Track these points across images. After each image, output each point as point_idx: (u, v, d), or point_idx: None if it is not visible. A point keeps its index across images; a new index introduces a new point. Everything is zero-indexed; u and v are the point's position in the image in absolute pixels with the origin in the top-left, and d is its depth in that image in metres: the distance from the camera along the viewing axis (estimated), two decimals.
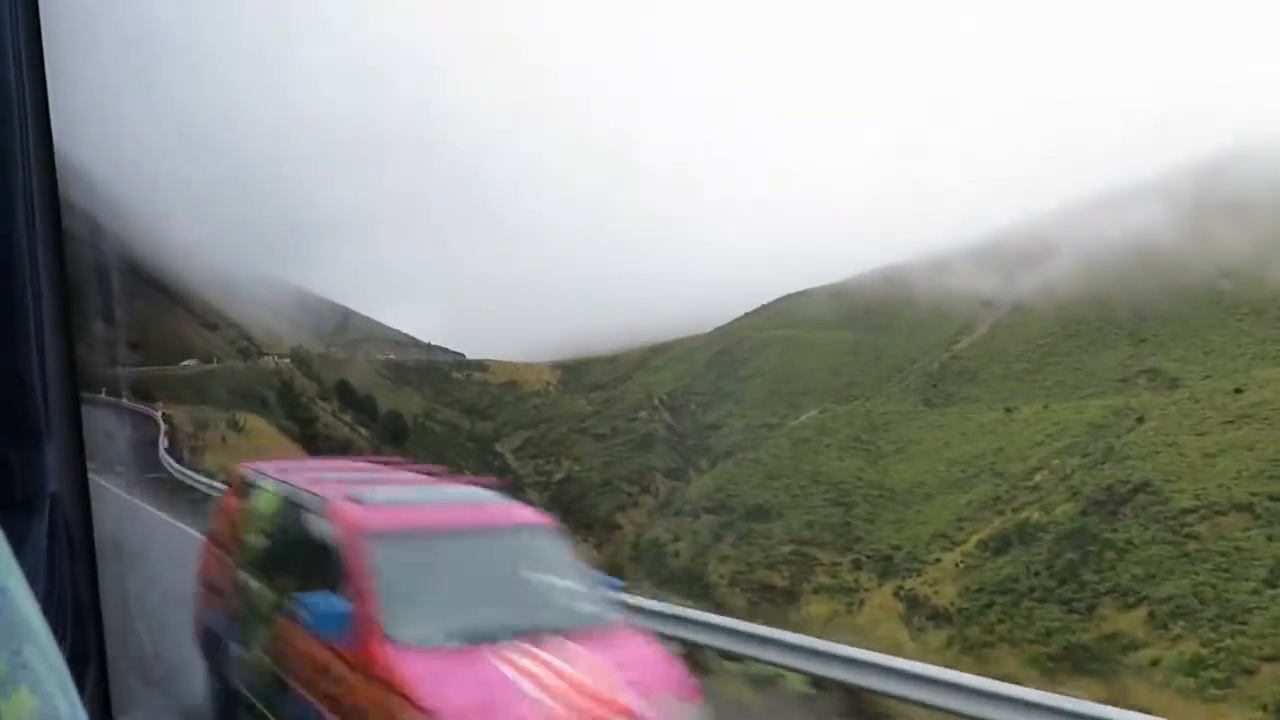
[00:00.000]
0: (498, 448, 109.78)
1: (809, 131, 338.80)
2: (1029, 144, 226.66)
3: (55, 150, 2.20)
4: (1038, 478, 76.30)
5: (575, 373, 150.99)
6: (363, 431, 66.09)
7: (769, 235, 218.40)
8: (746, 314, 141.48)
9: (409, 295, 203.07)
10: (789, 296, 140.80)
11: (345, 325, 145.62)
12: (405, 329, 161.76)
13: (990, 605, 60.06)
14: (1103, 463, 70.86)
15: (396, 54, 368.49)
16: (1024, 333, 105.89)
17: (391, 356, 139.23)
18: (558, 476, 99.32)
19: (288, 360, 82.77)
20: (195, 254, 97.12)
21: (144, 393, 47.29)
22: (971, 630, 57.67)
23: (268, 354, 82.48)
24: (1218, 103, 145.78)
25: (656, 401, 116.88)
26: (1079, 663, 51.05)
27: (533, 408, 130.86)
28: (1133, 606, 54.14)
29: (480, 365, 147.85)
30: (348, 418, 73.81)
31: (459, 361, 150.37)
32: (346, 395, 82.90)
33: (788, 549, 75.85)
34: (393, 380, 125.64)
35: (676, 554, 78.48)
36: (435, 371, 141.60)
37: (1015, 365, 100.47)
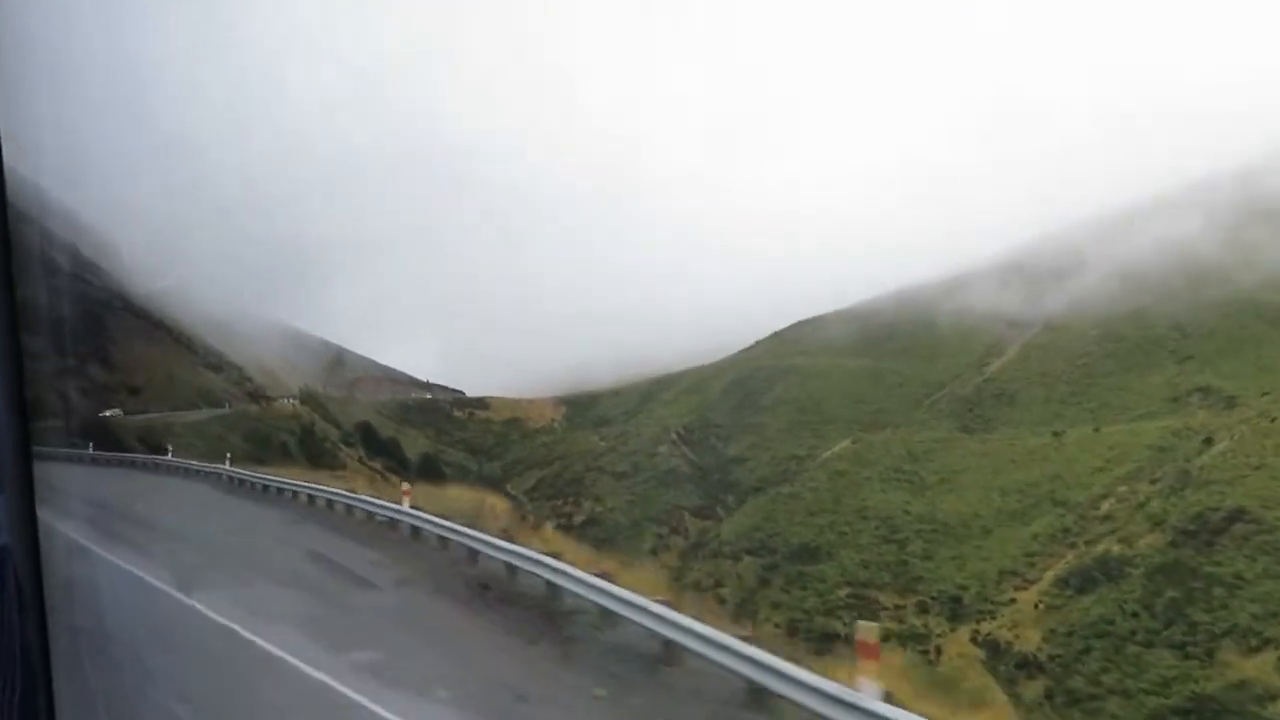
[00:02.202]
0: (509, 489, 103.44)
1: (816, 150, 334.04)
2: (1045, 156, 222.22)
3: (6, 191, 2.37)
4: (1106, 506, 71.44)
5: (580, 408, 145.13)
6: (393, 479, 59.88)
7: (775, 261, 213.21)
8: (758, 342, 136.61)
9: (401, 331, 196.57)
10: (801, 323, 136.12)
11: (339, 363, 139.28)
12: (400, 366, 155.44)
13: (1087, 651, 54.71)
14: (1181, 489, 66.05)
15: (391, 87, 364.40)
16: (1060, 352, 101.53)
17: (390, 396, 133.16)
18: (579, 518, 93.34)
19: (298, 402, 76.57)
20: (184, 291, 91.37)
21: (153, 443, 41.36)
22: (1074, 681, 52.24)
23: (279, 396, 76.28)
24: (1248, 107, 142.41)
25: (674, 435, 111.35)
26: (1210, 717, 45.74)
27: (541, 445, 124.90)
28: (1257, 650, 48.96)
29: (481, 403, 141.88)
30: (377, 465, 67.71)
31: (459, 399, 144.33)
32: (371, 439, 76.88)
33: (844, 592, 70.38)
34: (394, 420, 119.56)
35: (721, 600, 72.60)
36: (436, 410, 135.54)
37: (1056, 387, 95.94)
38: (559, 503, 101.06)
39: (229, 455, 31.30)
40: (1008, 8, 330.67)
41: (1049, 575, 64.73)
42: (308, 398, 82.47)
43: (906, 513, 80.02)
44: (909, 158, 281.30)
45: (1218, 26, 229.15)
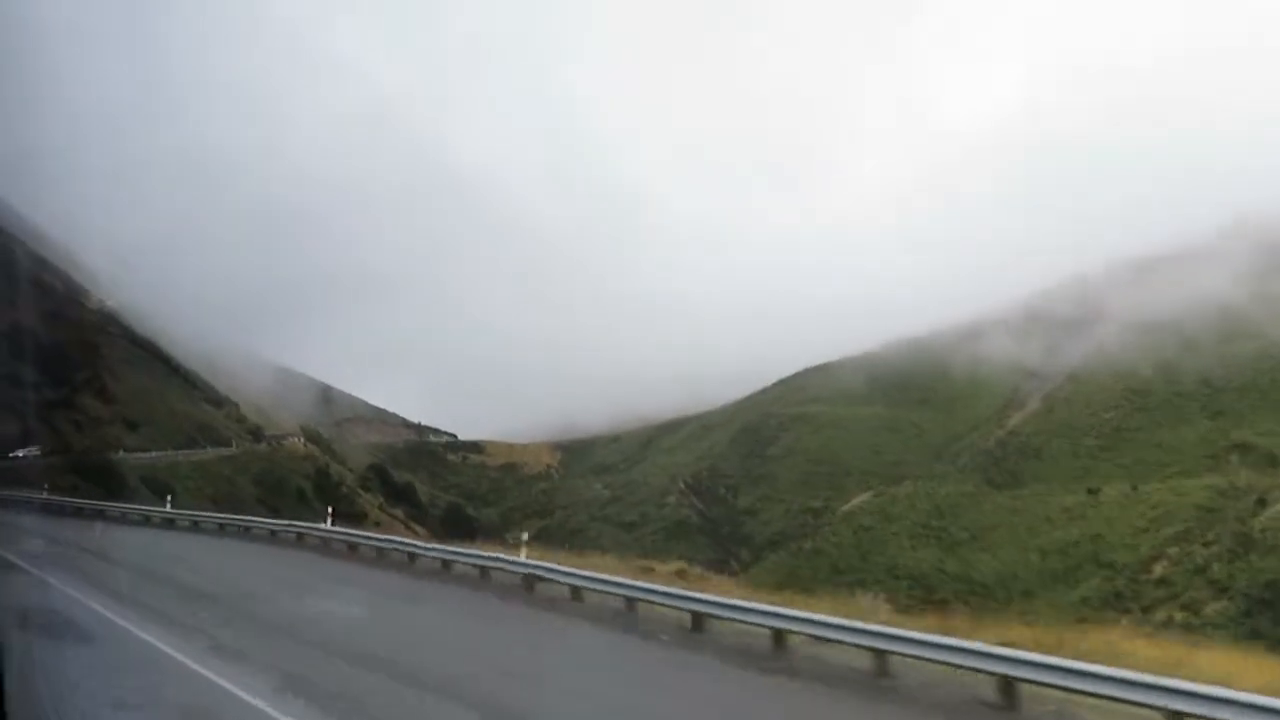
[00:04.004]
0: (508, 537, 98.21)
1: (822, 191, 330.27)
2: (1060, 201, 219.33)
3: None
4: (1159, 570, 67.41)
5: (577, 453, 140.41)
6: (418, 529, 54.62)
7: (781, 306, 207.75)
8: (764, 389, 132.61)
9: (388, 370, 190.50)
10: (809, 370, 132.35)
11: (327, 401, 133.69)
12: (388, 406, 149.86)
13: None
14: (1244, 552, 62.24)
15: (387, 121, 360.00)
16: (1084, 406, 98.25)
17: (380, 438, 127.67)
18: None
19: (304, 441, 71.05)
20: (175, 325, 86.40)
21: (158, 486, 36.48)
22: None
23: (285, 435, 70.70)
24: (1266, 160, 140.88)
25: (682, 485, 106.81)
26: None
27: (540, 492, 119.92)
28: None
29: (476, 446, 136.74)
30: (399, 512, 62.36)
31: (451, 442, 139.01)
32: (389, 484, 71.25)
33: None
34: (388, 464, 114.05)
35: None
36: (428, 453, 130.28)
37: (1083, 441, 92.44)
38: (562, 556, 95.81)
39: (330, 510, 26.75)
40: (1022, 44, 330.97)
41: None
42: (314, 437, 77.06)
43: (941, 571, 75.79)
44: (915, 202, 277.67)
45: (1242, 74, 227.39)
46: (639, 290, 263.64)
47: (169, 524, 30.36)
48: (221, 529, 29.63)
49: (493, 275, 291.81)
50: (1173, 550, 68.63)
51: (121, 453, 42.50)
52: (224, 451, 55.50)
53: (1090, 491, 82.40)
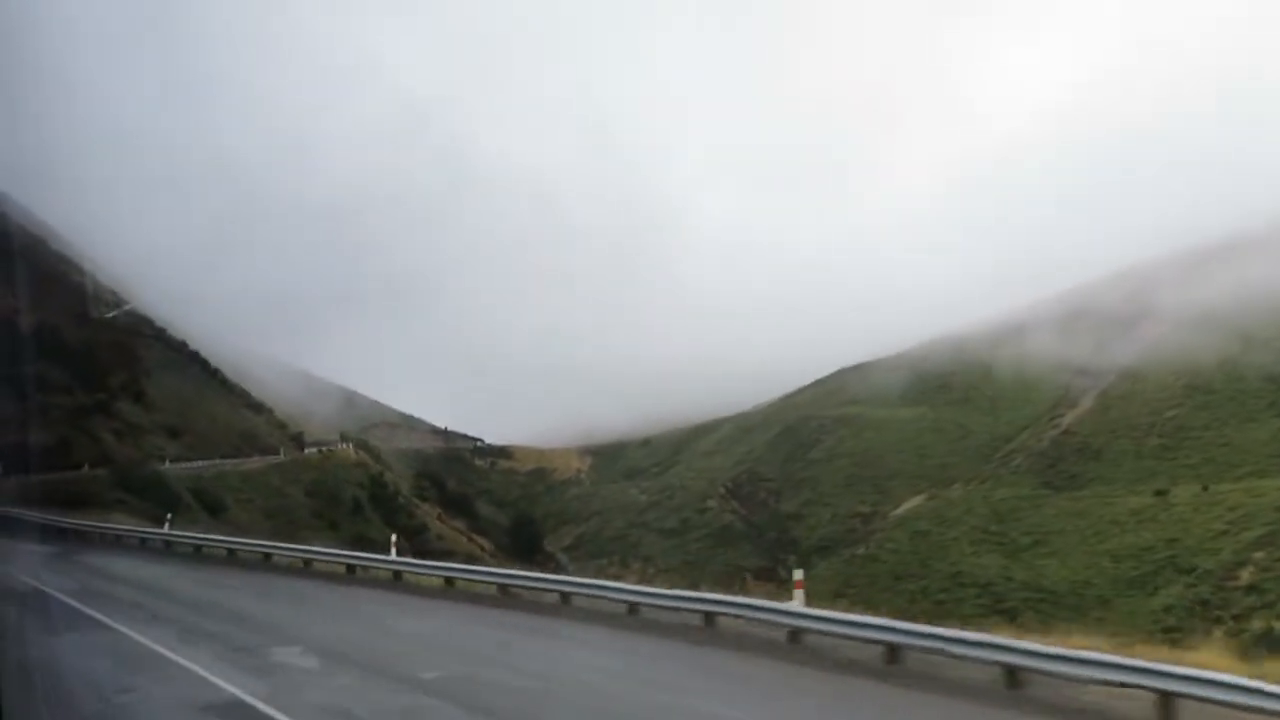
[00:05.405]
0: (545, 545, 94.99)
1: (857, 184, 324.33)
2: (1099, 200, 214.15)
3: None
4: (1246, 575, 63.87)
5: (607, 458, 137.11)
6: (482, 542, 51.36)
7: (815, 304, 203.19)
8: (800, 390, 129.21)
9: (412, 375, 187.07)
10: (845, 370, 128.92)
11: (351, 406, 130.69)
12: (413, 412, 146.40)
13: None
14: None
15: (419, 125, 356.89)
16: (1143, 404, 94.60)
17: (407, 444, 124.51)
18: (631, 580, 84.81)
19: (352, 447, 67.43)
20: (202, 330, 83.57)
21: (209, 500, 33.30)
22: None
23: (330, 441, 67.23)
24: None
25: (722, 489, 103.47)
26: None
27: (574, 498, 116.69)
28: None
29: (504, 451, 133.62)
30: (460, 524, 59.01)
31: (479, 447, 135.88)
32: (446, 494, 67.71)
33: None
34: (415, 471, 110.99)
35: None
36: (456, 459, 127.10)
37: (1146, 441, 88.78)
38: (603, 562, 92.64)
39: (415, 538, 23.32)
40: (1067, 35, 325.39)
41: None
42: (361, 444, 73.74)
43: (1008, 579, 72.28)
44: (952, 198, 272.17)
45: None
46: (666, 291, 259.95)
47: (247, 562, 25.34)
48: (350, 571, 23.39)
49: (519, 279, 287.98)
50: (1258, 555, 65.16)
51: (167, 463, 39.36)
52: (272, 460, 52.18)
53: (1159, 493, 78.86)
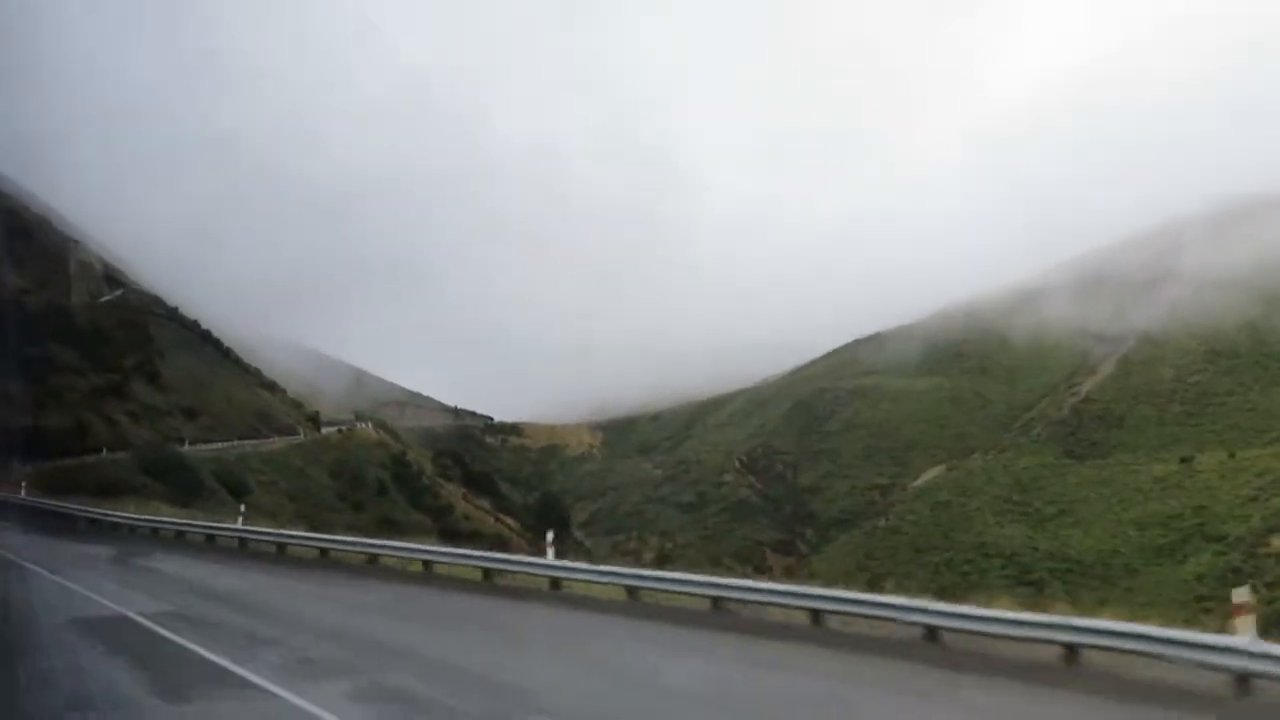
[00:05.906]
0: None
1: (870, 154, 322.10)
2: (1114, 163, 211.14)
3: None
4: (1277, 542, 62.76)
5: (617, 433, 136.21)
6: (510, 522, 50.38)
7: (825, 276, 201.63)
8: (813, 361, 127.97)
9: (421, 353, 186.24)
10: (860, 341, 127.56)
11: (361, 386, 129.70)
12: (422, 390, 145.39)
13: None
14: None
15: (429, 102, 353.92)
16: (1165, 369, 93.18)
17: (417, 422, 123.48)
18: (648, 556, 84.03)
19: (372, 426, 66.24)
20: (211, 309, 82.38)
21: (234, 484, 32.18)
22: None
23: (348, 421, 66.05)
24: None
25: (738, 462, 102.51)
26: None
27: (587, 474, 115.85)
28: None
29: (514, 429, 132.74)
30: (485, 503, 57.96)
31: (489, 425, 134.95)
32: (467, 472, 66.57)
33: None
34: (428, 449, 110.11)
35: None
36: (468, 437, 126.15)
37: (1169, 407, 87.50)
38: (620, 538, 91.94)
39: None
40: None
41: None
42: (380, 423, 72.44)
43: (1033, 549, 71.27)
44: (967, 165, 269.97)
45: None
46: (676, 264, 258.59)
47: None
48: (427, 566, 18.56)
49: (527, 255, 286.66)
50: None
51: (187, 445, 38.19)
52: (292, 440, 50.97)
53: (1184, 460, 77.63)
